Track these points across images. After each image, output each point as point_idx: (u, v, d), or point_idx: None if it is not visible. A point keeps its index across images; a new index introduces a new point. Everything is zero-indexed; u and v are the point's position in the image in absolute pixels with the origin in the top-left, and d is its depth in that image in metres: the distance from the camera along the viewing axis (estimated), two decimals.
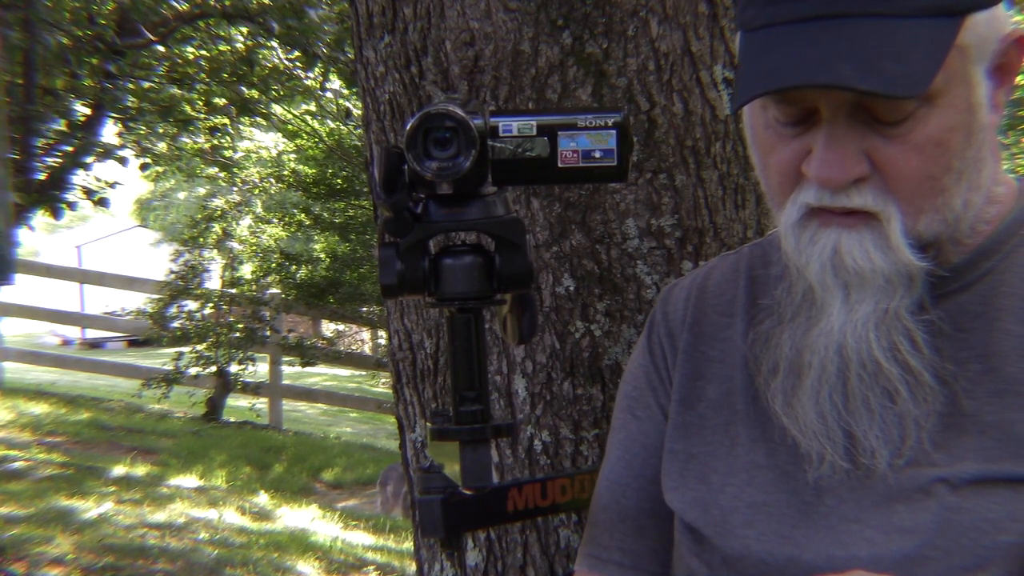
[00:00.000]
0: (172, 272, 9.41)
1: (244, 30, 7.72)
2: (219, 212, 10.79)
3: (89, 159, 6.70)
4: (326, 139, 11.61)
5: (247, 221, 11.40)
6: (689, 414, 1.03)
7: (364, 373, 13.67)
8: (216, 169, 10.92)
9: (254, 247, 11.12)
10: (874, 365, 0.86)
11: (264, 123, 10.00)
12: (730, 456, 0.98)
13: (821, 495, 0.91)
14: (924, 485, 0.87)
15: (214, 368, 9.01)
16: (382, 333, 12.56)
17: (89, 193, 6.70)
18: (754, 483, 0.95)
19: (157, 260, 12.71)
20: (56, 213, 6.29)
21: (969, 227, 0.90)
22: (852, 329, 0.86)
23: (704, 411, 1.02)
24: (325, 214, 12.28)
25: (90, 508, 5.11)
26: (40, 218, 6.56)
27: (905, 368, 0.86)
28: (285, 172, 12.62)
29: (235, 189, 11.76)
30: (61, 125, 6.50)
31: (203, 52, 8.21)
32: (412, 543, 2.18)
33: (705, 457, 1.00)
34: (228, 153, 10.56)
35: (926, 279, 0.87)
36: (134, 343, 15.38)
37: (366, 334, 15.54)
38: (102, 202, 6.75)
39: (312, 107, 10.71)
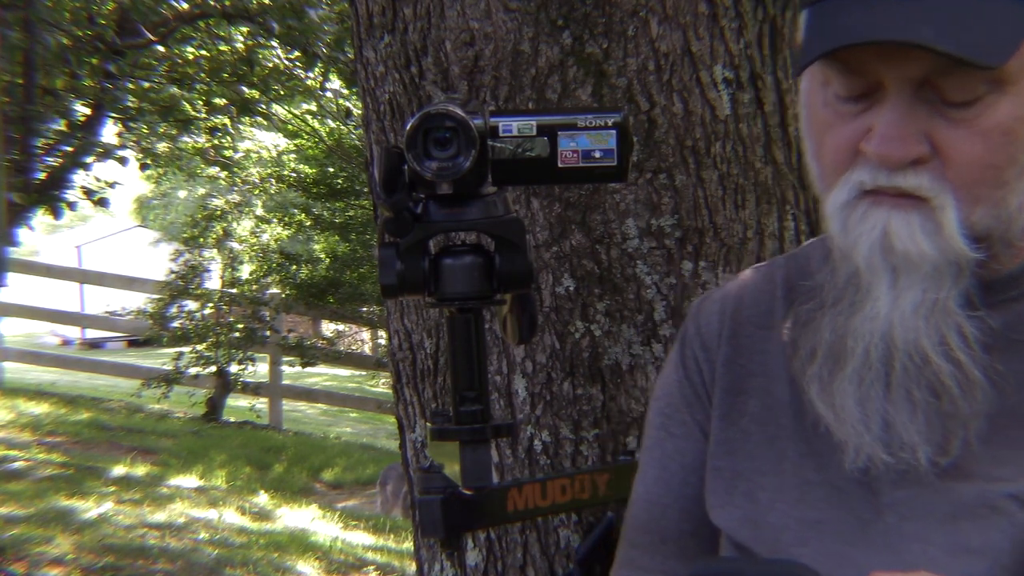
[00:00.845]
0: (172, 272, 9.40)
1: (244, 30, 7.72)
2: (219, 212, 10.79)
3: (89, 159, 6.69)
4: (326, 139, 11.61)
5: (248, 223, 11.39)
6: (732, 430, 0.99)
7: (364, 373, 13.66)
8: (216, 169, 10.93)
9: (254, 247, 11.11)
10: (921, 357, 0.82)
11: (264, 123, 10.00)
12: (778, 472, 0.94)
13: (880, 512, 0.87)
14: (992, 501, 0.82)
15: (214, 368, 9.01)
16: (382, 333, 12.55)
17: (89, 193, 6.70)
18: (805, 500, 0.91)
19: (157, 260, 12.70)
20: (56, 213, 6.28)
21: (1022, 231, 0.86)
22: (900, 317, 0.82)
23: (747, 426, 0.98)
24: (325, 214, 12.28)
25: (90, 508, 5.10)
26: (40, 218, 6.56)
27: (954, 363, 0.82)
28: (285, 172, 12.62)
29: (235, 189, 11.76)
30: (61, 125, 6.49)
31: (203, 52, 8.21)
32: (412, 543, 2.18)
33: (751, 474, 0.96)
34: (228, 153, 10.56)
35: (979, 283, 0.83)
36: (134, 343, 15.37)
37: (366, 334, 15.53)
38: (102, 202, 6.75)
39: (312, 107, 10.71)
